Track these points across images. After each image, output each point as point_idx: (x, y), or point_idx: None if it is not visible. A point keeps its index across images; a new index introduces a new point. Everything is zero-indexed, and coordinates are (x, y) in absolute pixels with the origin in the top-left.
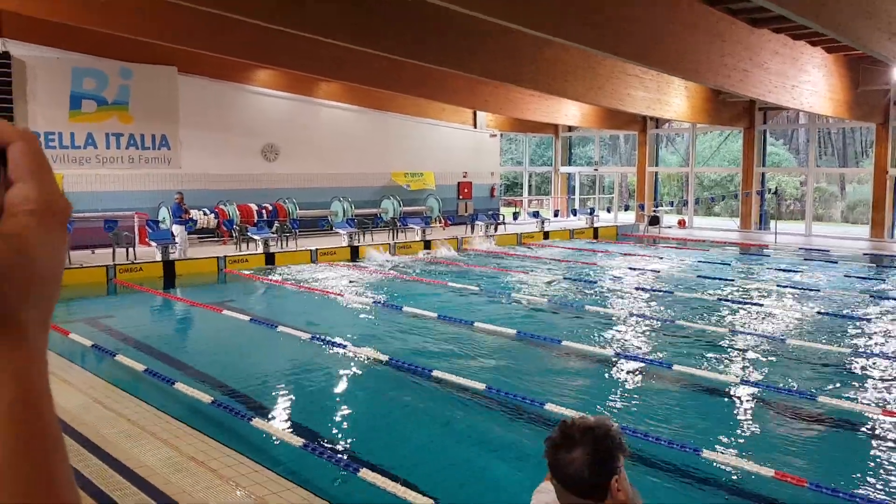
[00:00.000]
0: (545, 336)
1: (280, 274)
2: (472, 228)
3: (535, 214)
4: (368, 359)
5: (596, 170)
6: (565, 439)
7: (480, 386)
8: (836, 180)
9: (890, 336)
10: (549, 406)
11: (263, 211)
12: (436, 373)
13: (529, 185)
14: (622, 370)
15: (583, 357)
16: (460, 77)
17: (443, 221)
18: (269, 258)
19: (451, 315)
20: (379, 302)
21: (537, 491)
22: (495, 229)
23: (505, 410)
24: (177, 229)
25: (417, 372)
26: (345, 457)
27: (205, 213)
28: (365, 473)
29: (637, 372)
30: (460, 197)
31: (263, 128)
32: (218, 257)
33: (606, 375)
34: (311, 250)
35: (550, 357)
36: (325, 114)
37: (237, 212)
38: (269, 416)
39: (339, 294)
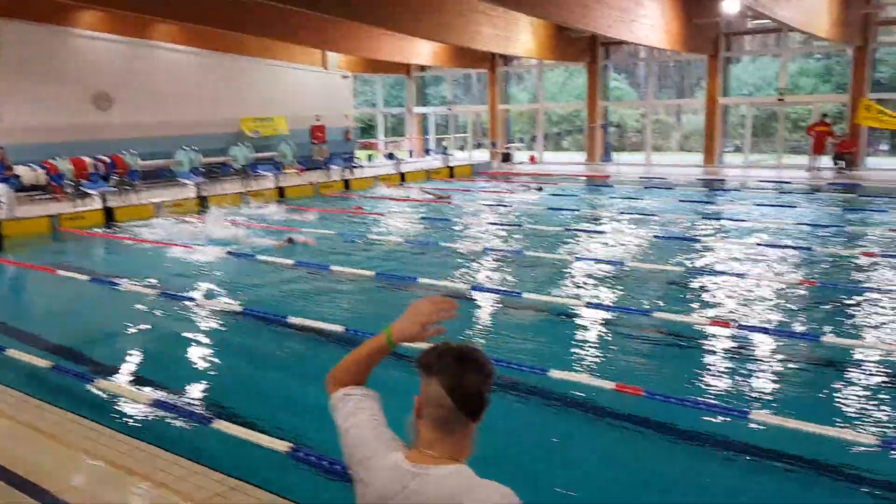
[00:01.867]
0: (404, 275)
1: (122, 229)
2: (328, 173)
3: (391, 156)
4: (221, 310)
5: (450, 109)
6: (477, 363)
7: (339, 329)
8: (672, 112)
9: (718, 253)
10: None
11: (100, 164)
12: (292, 319)
13: (385, 128)
14: (477, 302)
15: (440, 293)
16: (308, 16)
17: (297, 167)
18: (109, 213)
19: (308, 261)
20: (232, 252)
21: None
22: (351, 172)
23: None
24: (0, 188)
25: (273, 320)
26: (199, 410)
27: (32, 169)
28: (219, 424)
29: (491, 302)
30: (314, 141)
31: (94, 75)
32: (51, 216)
33: (462, 309)
34: (154, 203)
35: (409, 295)
36: (164, 58)
37: (70, 166)
38: (117, 376)
39: (187, 247)
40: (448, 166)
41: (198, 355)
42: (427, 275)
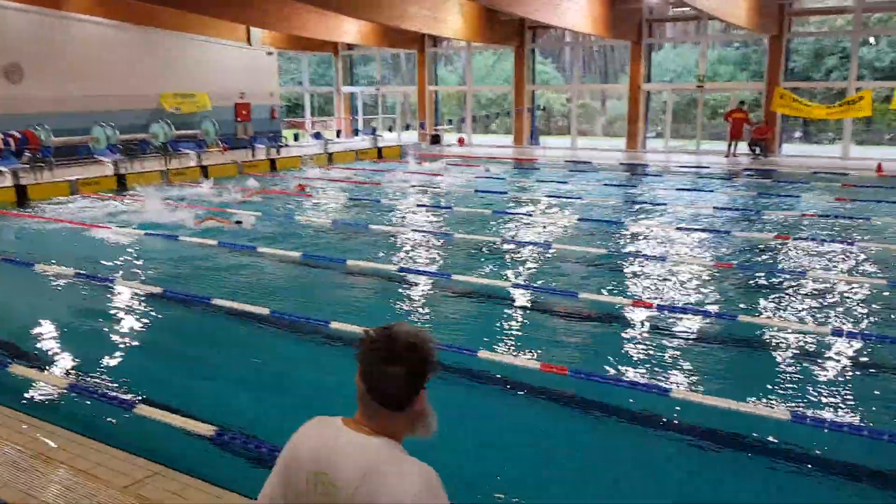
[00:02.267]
0: (330, 257)
1: (35, 208)
2: (253, 152)
3: (317, 136)
4: (143, 293)
5: (378, 90)
6: (390, 352)
7: (264, 311)
8: (598, 96)
9: (640, 235)
10: (333, 324)
11: (11, 139)
12: (216, 301)
13: (312, 107)
14: (406, 284)
15: (369, 275)
16: None
17: (221, 145)
18: (21, 191)
19: (234, 242)
20: (152, 233)
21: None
22: (277, 152)
23: (290, 332)
24: None
25: (196, 302)
26: (120, 394)
27: None
28: (141, 409)
29: (420, 284)
30: (238, 119)
31: (4, 46)
32: None
33: (391, 290)
34: (70, 181)
35: (336, 277)
36: (80, 29)
37: None
38: (33, 360)
39: (105, 227)
40: (376, 147)
41: (119, 339)
42: (355, 257)
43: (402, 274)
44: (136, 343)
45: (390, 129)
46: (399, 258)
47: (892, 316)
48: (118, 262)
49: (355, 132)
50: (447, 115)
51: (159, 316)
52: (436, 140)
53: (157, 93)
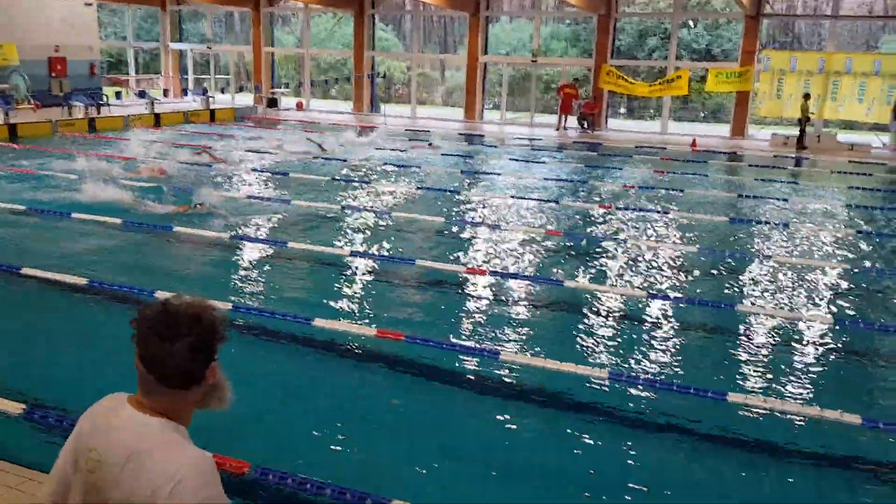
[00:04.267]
0: (156, 224)
1: None
2: (70, 110)
3: (142, 94)
4: None
5: (209, 48)
6: (169, 329)
7: (82, 281)
8: (437, 66)
9: (476, 204)
10: (158, 293)
11: None
12: (27, 270)
13: (136, 64)
14: (241, 252)
15: (197, 242)
16: None
17: (32, 103)
18: None
19: (45, 207)
20: None
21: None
22: (97, 111)
23: (111, 302)
24: None
25: (4, 270)
26: None
27: None
28: None
29: (256, 252)
30: (53, 75)
31: None
32: None
33: (221, 258)
34: None
35: (163, 244)
36: None
37: None
38: None
39: None
40: (209, 109)
41: None
42: (182, 223)
43: (236, 241)
44: None
45: (223, 91)
46: (235, 224)
47: (702, 279)
48: None
49: (185, 92)
50: (284, 79)
51: None
52: (272, 104)
53: None
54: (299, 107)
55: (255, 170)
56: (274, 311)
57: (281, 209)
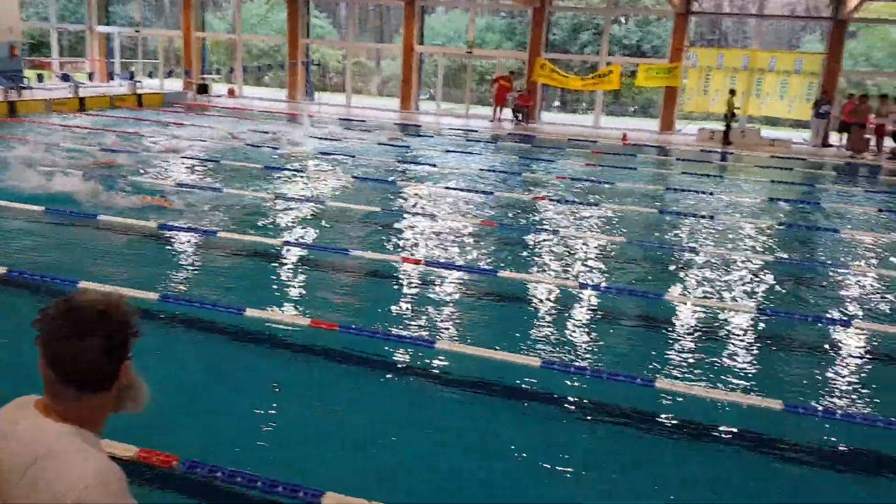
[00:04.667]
0: (80, 212)
1: None
2: None
3: (66, 78)
4: None
5: (137, 31)
6: (75, 327)
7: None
8: (373, 55)
9: (411, 194)
10: (81, 284)
11: None
12: None
13: (60, 46)
14: (170, 242)
15: (124, 231)
16: None
17: None
18: None
19: None
20: None
21: None
22: (18, 94)
23: (27, 293)
24: None
25: None
26: None
27: None
28: None
29: (185, 242)
30: None
31: None
32: None
33: (148, 247)
34: None
35: (87, 232)
36: None
37: None
38: None
39: None
40: (136, 94)
41: None
42: (109, 213)
43: (163, 232)
44: None
45: (151, 76)
46: (163, 214)
47: (632, 269)
48: None
49: (111, 76)
50: (215, 64)
51: None
52: (203, 90)
53: None
54: (231, 93)
55: (187, 158)
56: (203, 302)
57: (209, 196)
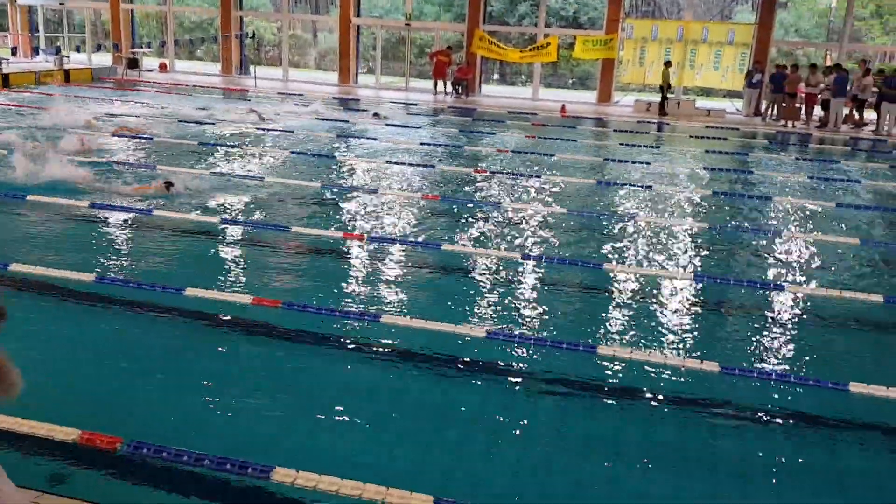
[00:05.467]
0: (7, 192)
1: None
2: None
3: None
4: None
5: (62, 4)
6: None
7: None
8: (309, 28)
9: (352, 169)
10: (12, 266)
11: None
12: None
13: None
14: (104, 222)
15: (55, 212)
16: None
17: None
18: None
19: None
20: None
21: None
22: None
23: None
24: None
25: None
26: None
27: None
28: None
29: (119, 222)
30: None
31: None
32: None
33: (88, 229)
34: None
35: (17, 214)
36: None
37: None
38: None
39: None
40: (62, 69)
41: None
42: (37, 192)
43: (97, 211)
44: None
45: (78, 50)
46: (95, 192)
47: (572, 239)
48: None
49: (36, 51)
50: (146, 38)
51: None
52: (133, 64)
53: None
54: (163, 68)
55: (119, 136)
56: (141, 283)
57: (145, 174)
